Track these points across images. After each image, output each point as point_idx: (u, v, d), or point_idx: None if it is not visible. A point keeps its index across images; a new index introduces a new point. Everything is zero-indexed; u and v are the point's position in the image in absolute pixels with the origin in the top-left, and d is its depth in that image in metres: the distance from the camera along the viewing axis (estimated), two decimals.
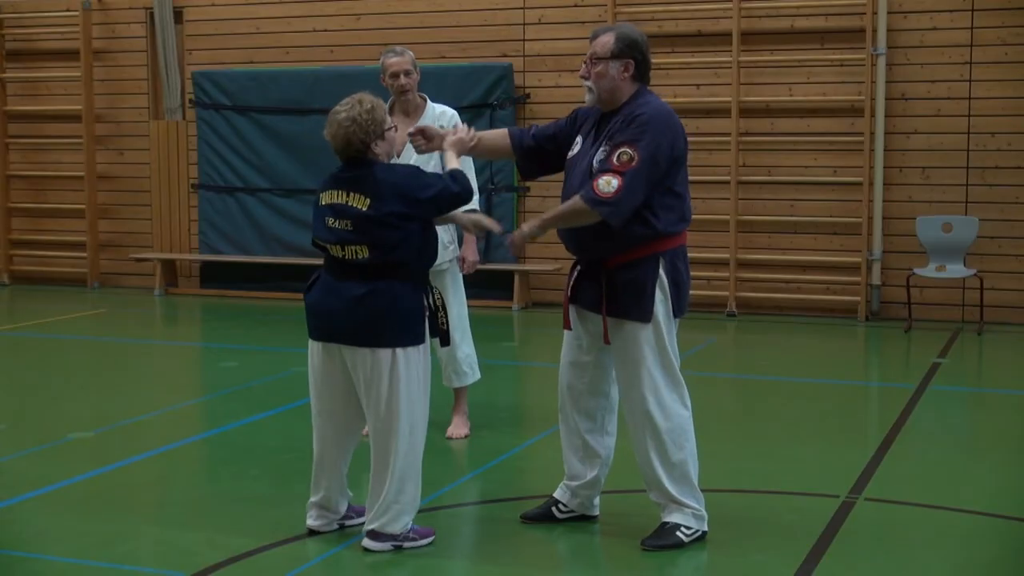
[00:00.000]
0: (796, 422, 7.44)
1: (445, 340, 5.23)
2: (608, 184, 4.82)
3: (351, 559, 5.02)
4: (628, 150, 4.84)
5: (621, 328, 5.02)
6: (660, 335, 4.99)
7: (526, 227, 5.07)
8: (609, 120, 5.03)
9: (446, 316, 5.20)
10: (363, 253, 4.92)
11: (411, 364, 4.96)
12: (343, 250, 4.95)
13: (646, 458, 5.07)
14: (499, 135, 5.43)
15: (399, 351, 4.93)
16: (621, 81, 4.99)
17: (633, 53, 4.99)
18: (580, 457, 5.30)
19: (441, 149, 5.33)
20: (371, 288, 4.92)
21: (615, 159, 4.85)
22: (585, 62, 5.05)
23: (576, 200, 4.90)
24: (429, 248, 5.06)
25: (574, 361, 5.24)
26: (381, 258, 4.90)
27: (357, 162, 4.98)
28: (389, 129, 5.02)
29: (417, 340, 4.98)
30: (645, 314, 4.95)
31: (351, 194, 4.93)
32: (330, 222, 4.97)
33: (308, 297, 5.10)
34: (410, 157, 6.73)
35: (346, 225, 4.92)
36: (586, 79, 5.03)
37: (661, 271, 4.96)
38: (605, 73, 4.98)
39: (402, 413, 4.95)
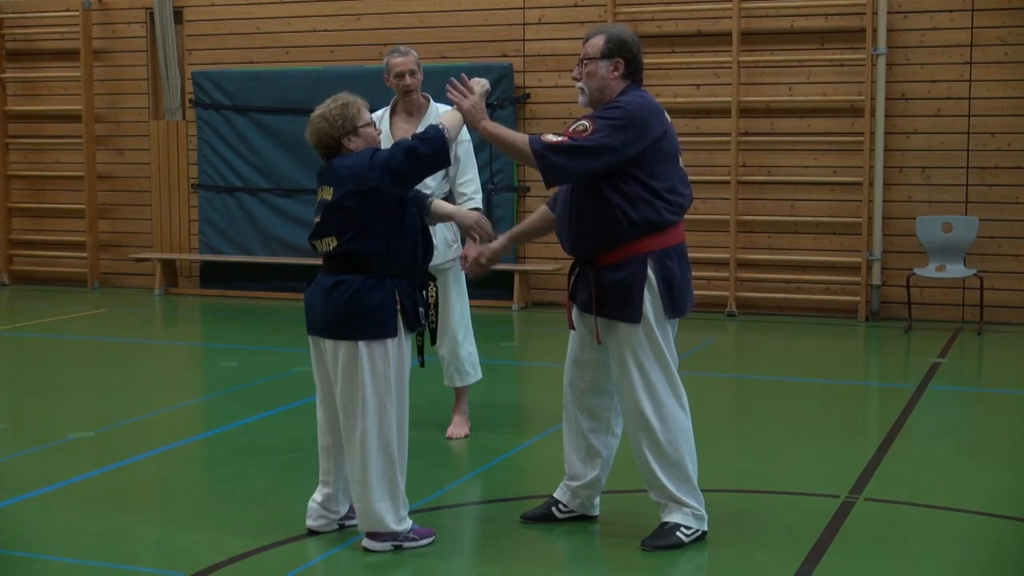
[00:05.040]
0: (796, 422, 7.44)
1: (432, 338, 5.24)
2: (554, 136, 4.92)
3: (351, 559, 5.01)
4: (585, 123, 4.92)
5: (614, 329, 5.04)
6: (653, 335, 4.99)
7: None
8: None
9: (436, 314, 5.19)
10: (332, 243, 4.98)
11: (376, 359, 4.93)
12: (320, 242, 5.03)
13: (644, 458, 5.07)
14: (537, 214, 5.44)
15: (362, 344, 4.91)
16: (611, 80, 5.04)
17: (623, 53, 5.03)
18: (582, 457, 5.30)
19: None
20: (337, 280, 4.96)
21: (571, 127, 4.94)
22: (578, 64, 5.10)
23: (524, 136, 5.02)
24: (404, 240, 4.99)
25: (576, 360, 5.26)
26: (347, 248, 4.93)
27: (331, 158, 5.04)
28: (365, 126, 5.02)
29: (384, 334, 4.93)
30: (634, 315, 4.96)
31: (323, 187, 5.03)
32: (315, 218, 5.06)
33: (304, 292, 5.16)
34: None
35: (319, 218, 5.01)
36: (578, 80, 5.10)
37: (649, 271, 4.96)
38: (595, 73, 5.04)
39: (368, 409, 4.92)
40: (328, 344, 4.99)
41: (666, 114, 5.09)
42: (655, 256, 4.97)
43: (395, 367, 4.97)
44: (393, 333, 4.95)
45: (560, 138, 4.90)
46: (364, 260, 4.93)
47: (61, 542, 5.25)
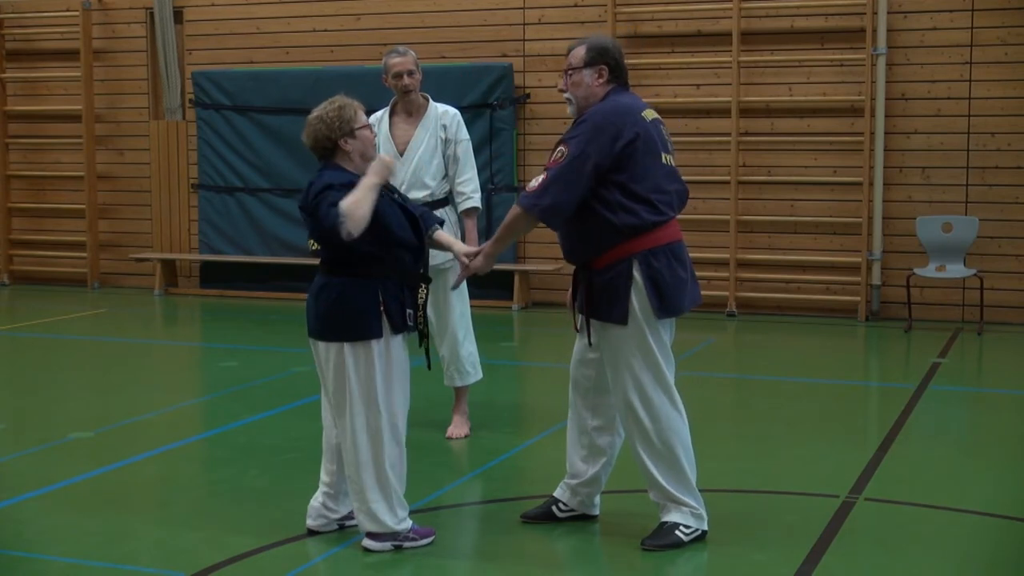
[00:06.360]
0: (796, 422, 7.44)
1: (419, 340, 5.25)
2: (536, 181, 5.04)
3: (351, 559, 5.02)
4: (562, 147, 5.01)
5: (606, 330, 5.08)
6: (643, 336, 5.01)
7: (481, 259, 5.21)
8: None
9: (425, 317, 5.19)
10: (316, 245, 5.06)
11: (360, 360, 4.94)
12: (312, 243, 5.11)
13: (640, 458, 5.10)
14: None
15: (347, 346, 4.94)
16: (596, 87, 5.13)
17: (605, 59, 5.13)
18: (583, 455, 5.31)
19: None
20: (324, 282, 5.02)
21: (551, 158, 5.03)
22: (562, 76, 5.20)
23: (513, 207, 5.13)
24: (386, 244, 4.96)
25: (581, 359, 5.30)
26: (328, 252, 4.98)
27: (327, 161, 5.06)
28: (361, 128, 5.03)
29: (367, 335, 4.94)
30: (621, 316, 5.00)
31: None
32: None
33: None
34: (413, 157, 6.74)
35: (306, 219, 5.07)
36: (564, 91, 5.20)
37: (635, 272, 4.99)
38: (580, 82, 5.14)
39: (355, 409, 4.95)
40: (320, 346, 5.04)
41: (645, 112, 5.09)
42: (640, 256, 5.00)
43: (381, 368, 4.98)
44: (377, 334, 4.96)
45: (540, 179, 4.99)
46: (350, 264, 4.95)
47: (61, 542, 5.25)
